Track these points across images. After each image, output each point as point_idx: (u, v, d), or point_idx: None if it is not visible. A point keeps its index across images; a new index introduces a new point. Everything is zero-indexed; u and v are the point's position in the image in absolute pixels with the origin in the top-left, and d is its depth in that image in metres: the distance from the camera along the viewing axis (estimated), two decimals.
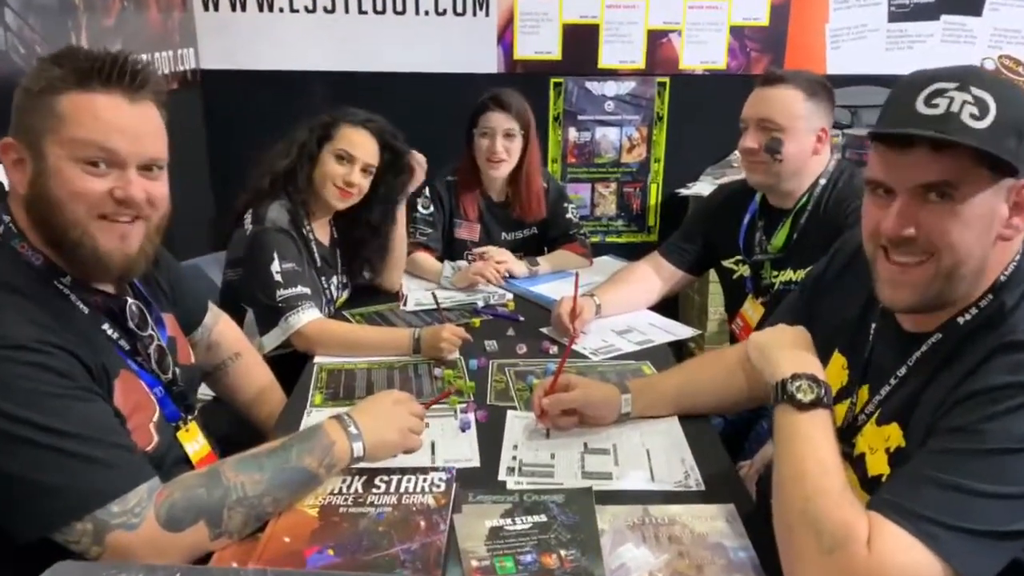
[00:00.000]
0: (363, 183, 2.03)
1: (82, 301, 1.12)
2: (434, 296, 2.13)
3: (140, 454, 1.08)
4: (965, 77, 0.94)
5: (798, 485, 0.96)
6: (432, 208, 2.45)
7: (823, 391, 1.03)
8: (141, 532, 0.98)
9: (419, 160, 2.17)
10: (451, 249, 2.49)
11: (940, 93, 0.93)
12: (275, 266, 1.84)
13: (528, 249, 2.55)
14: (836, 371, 1.20)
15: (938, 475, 0.88)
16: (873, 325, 1.15)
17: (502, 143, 2.35)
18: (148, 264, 1.19)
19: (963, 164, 0.92)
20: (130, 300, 1.22)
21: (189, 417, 1.29)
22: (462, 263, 2.35)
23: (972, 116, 0.91)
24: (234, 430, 1.52)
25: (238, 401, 1.65)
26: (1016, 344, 0.92)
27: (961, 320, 1.01)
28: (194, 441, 1.28)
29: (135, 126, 1.08)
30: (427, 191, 2.44)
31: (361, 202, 2.07)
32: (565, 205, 2.60)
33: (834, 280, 1.30)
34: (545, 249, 2.58)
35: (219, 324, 1.64)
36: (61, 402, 0.99)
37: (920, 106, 0.94)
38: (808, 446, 0.99)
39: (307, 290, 1.85)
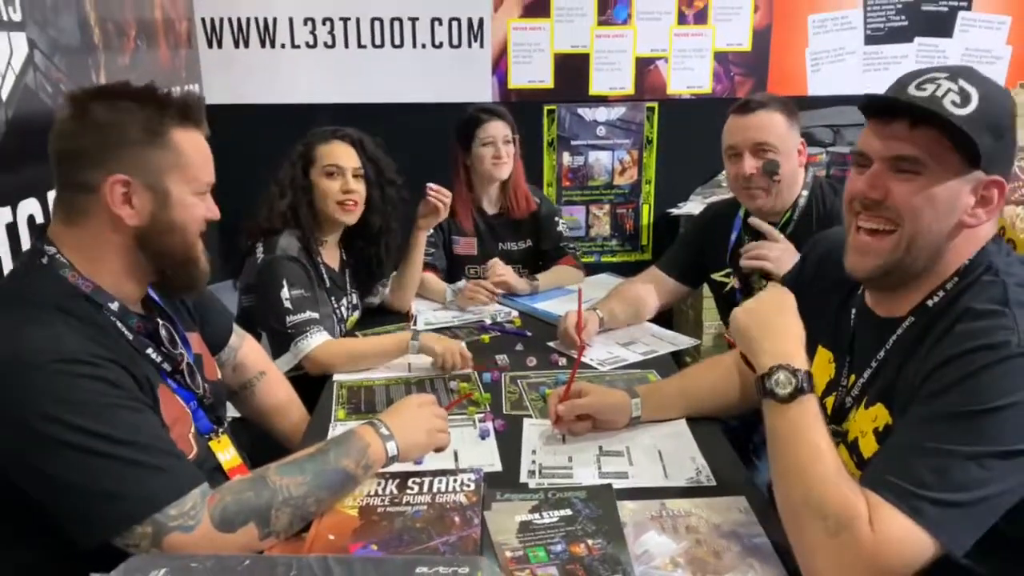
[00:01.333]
0: (360, 188, 2.10)
1: (127, 328, 1.18)
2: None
3: (188, 460, 1.14)
4: (958, 72, 1.03)
5: (796, 475, 0.99)
6: (432, 229, 2.55)
7: (800, 379, 1.03)
8: (197, 533, 1.04)
9: (440, 195, 2.27)
10: (452, 266, 2.60)
11: (931, 80, 1.02)
12: (284, 293, 1.91)
13: (525, 262, 2.67)
14: (823, 365, 1.26)
15: (917, 442, 0.94)
16: (853, 316, 1.21)
17: (503, 148, 2.50)
18: None
19: (935, 144, 1.01)
20: (161, 322, 1.28)
21: (220, 429, 1.35)
22: (462, 283, 2.44)
23: (953, 103, 0.99)
24: (257, 448, 1.58)
25: (264, 418, 1.70)
26: (973, 311, 0.99)
27: (930, 303, 1.08)
28: (226, 451, 1.34)
29: (211, 157, 1.23)
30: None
31: (361, 220, 2.15)
32: (556, 219, 2.72)
33: (810, 281, 1.35)
34: (541, 264, 2.68)
35: (244, 346, 1.69)
36: (115, 412, 1.04)
37: (911, 89, 1.03)
38: (797, 436, 1.01)
39: (316, 315, 1.92)
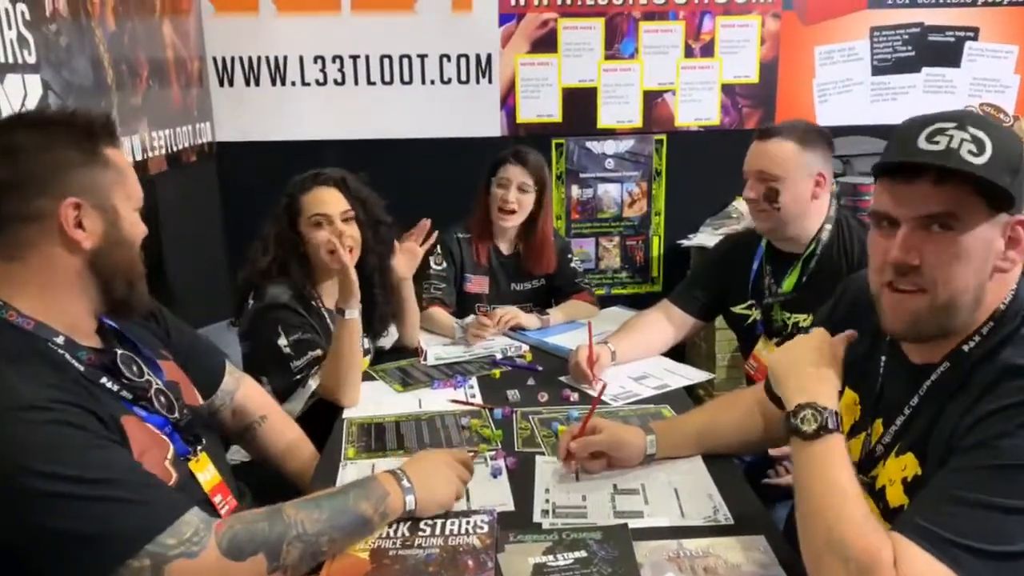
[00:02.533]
0: (351, 231, 2.03)
1: (76, 360, 1.13)
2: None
3: (169, 488, 1.12)
4: (963, 118, 1.01)
5: (820, 515, 0.98)
6: (445, 264, 2.54)
7: (826, 417, 1.04)
8: (203, 559, 1.01)
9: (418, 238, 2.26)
10: (462, 304, 2.57)
11: (941, 132, 1.00)
12: (281, 341, 1.90)
13: (537, 300, 2.64)
14: (849, 406, 1.24)
15: (957, 493, 0.92)
16: (883, 360, 1.19)
17: (515, 194, 2.46)
18: None
19: (963, 196, 0.99)
20: (119, 351, 1.24)
21: (199, 448, 1.30)
22: (470, 319, 2.42)
23: (971, 152, 0.98)
24: (266, 490, 1.55)
25: (274, 460, 1.68)
26: (1017, 368, 0.97)
27: (966, 348, 1.05)
28: (205, 471, 1.29)
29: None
30: (438, 248, 2.53)
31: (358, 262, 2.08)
32: (569, 256, 2.70)
33: (841, 320, 1.33)
34: (553, 301, 2.66)
35: (242, 388, 1.64)
36: (83, 453, 1.01)
37: (923, 143, 1.00)
38: (823, 474, 1.01)
39: (319, 352, 1.91)
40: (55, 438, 1.00)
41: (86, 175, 1.12)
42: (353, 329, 1.89)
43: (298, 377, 1.88)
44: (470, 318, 2.43)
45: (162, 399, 1.26)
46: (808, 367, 1.14)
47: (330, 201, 2.03)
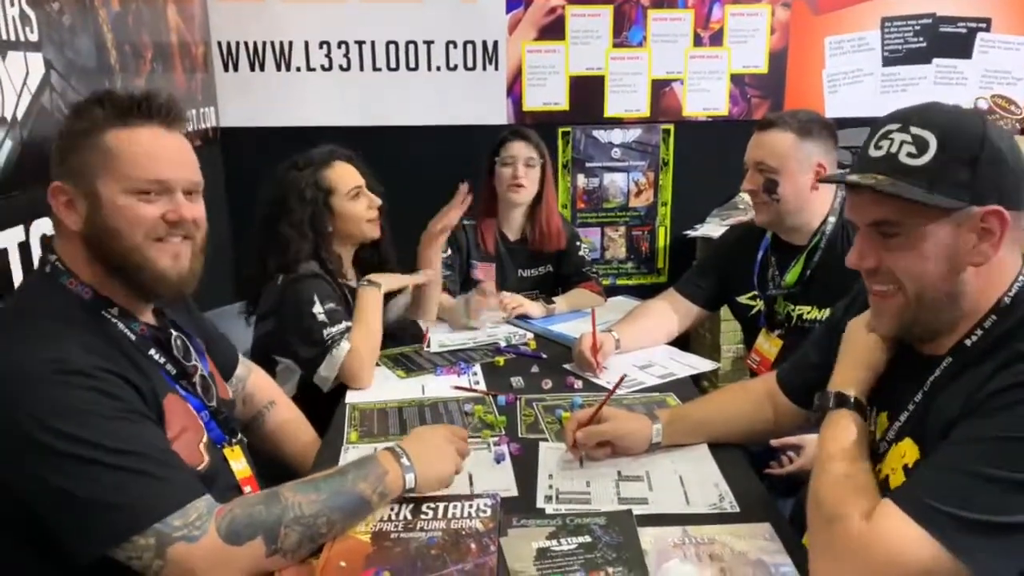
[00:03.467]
0: (377, 200, 2.12)
1: (129, 330, 1.17)
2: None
3: (191, 473, 1.12)
4: (909, 117, 1.02)
5: (813, 473, 1.07)
6: (450, 251, 2.52)
7: (843, 400, 1.12)
8: (203, 544, 1.01)
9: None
10: (466, 289, 2.53)
11: (885, 135, 1.02)
12: (317, 308, 1.90)
13: (544, 287, 2.62)
14: (880, 421, 1.24)
15: (951, 462, 0.92)
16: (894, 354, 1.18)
17: (523, 169, 2.46)
18: (196, 281, 1.25)
19: (901, 204, 0.99)
20: (174, 332, 1.28)
21: (234, 440, 1.34)
22: (468, 294, 2.37)
23: (909, 155, 0.99)
24: (262, 476, 1.55)
25: (274, 443, 1.68)
26: (1022, 353, 0.96)
27: (968, 342, 1.04)
28: (239, 461, 1.33)
29: (176, 154, 1.18)
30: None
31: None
32: (578, 244, 2.68)
33: (857, 313, 1.32)
34: (560, 289, 2.64)
35: (252, 376, 1.69)
36: (116, 423, 1.03)
37: (871, 150, 1.03)
38: (824, 440, 1.09)
39: (349, 323, 1.93)
40: (90, 405, 1.02)
41: (76, 158, 1.13)
42: (375, 298, 2.01)
43: (327, 344, 1.87)
44: (460, 301, 2.37)
45: (203, 386, 1.29)
46: (851, 362, 1.19)
47: (354, 174, 2.10)
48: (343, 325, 1.90)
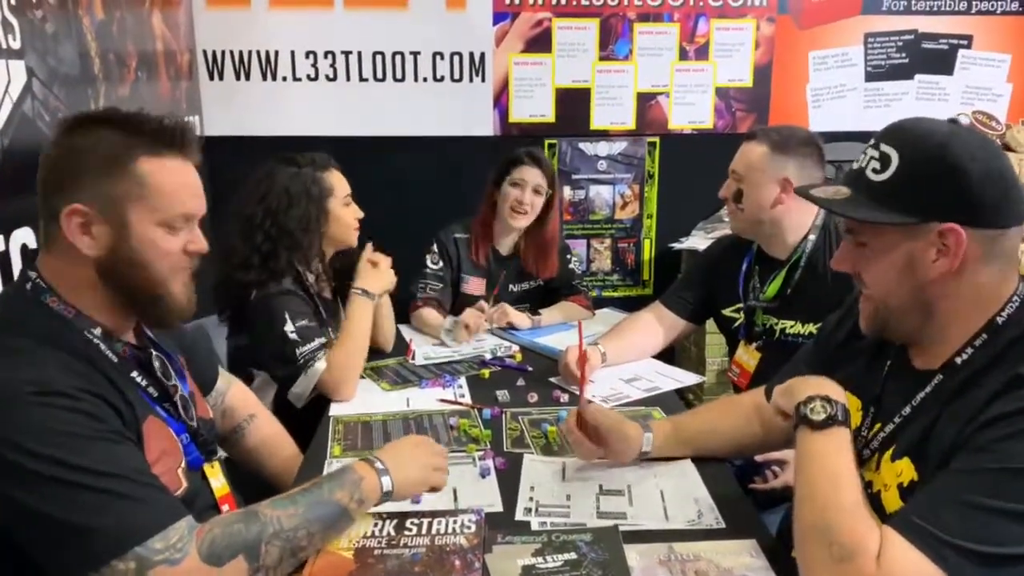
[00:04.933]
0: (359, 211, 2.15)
1: (111, 351, 1.15)
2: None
3: (171, 494, 1.10)
4: (885, 133, 1.07)
5: (812, 500, 1.01)
6: (441, 263, 2.51)
7: (836, 410, 1.07)
8: (184, 567, 0.99)
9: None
10: (458, 305, 2.54)
11: (865, 150, 1.08)
12: (288, 327, 1.88)
13: (532, 301, 2.62)
14: (852, 411, 1.23)
15: (953, 493, 0.92)
16: (887, 367, 1.19)
17: (530, 196, 2.45)
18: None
19: (867, 216, 1.05)
20: (154, 352, 1.26)
21: (213, 458, 1.32)
22: (456, 319, 2.37)
23: (874, 170, 1.05)
24: (243, 492, 1.53)
25: (255, 458, 1.66)
26: (1022, 377, 0.96)
27: (959, 360, 1.05)
28: (216, 478, 1.31)
29: (197, 186, 1.18)
30: (435, 247, 2.51)
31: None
32: (568, 257, 2.68)
33: (852, 327, 1.32)
34: (548, 302, 2.63)
35: (232, 389, 1.67)
36: (94, 444, 1.01)
37: (854, 163, 1.10)
38: (822, 463, 1.03)
39: (323, 340, 1.91)
40: (68, 426, 1.01)
41: (103, 183, 1.10)
42: (368, 310, 2.01)
43: (300, 364, 1.86)
44: (449, 320, 2.37)
45: (184, 407, 1.27)
46: (821, 380, 1.18)
47: (343, 179, 2.11)
48: (316, 343, 1.89)
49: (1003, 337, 1.02)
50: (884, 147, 1.04)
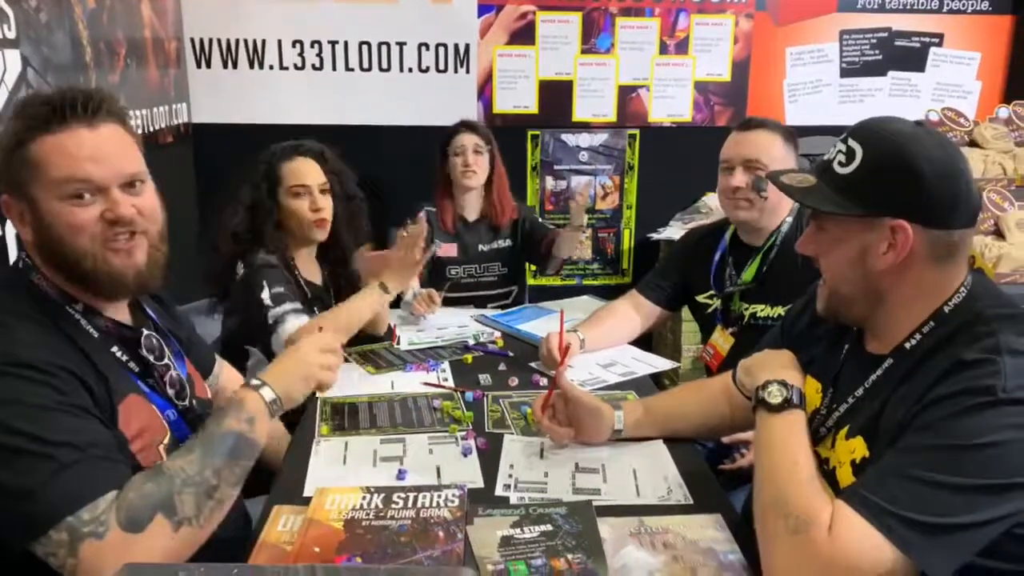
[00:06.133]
0: (328, 204, 2.09)
1: (92, 326, 1.18)
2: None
3: (125, 469, 1.09)
4: (852, 130, 1.13)
5: (771, 477, 1.09)
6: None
7: (791, 393, 1.15)
8: (108, 539, 1.00)
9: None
10: (435, 269, 2.73)
11: (834, 144, 1.14)
12: (264, 294, 1.94)
13: (505, 261, 2.82)
14: (811, 393, 1.29)
15: (900, 468, 0.99)
16: (845, 351, 1.26)
17: (472, 157, 2.68)
18: (160, 273, 1.24)
19: (824, 205, 1.11)
20: (146, 332, 1.29)
21: None
22: (422, 291, 2.46)
23: (839, 163, 1.11)
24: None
25: None
26: (964, 362, 1.03)
27: (907, 345, 1.12)
28: None
29: (100, 150, 1.13)
30: (409, 221, 2.59)
31: (334, 239, 2.16)
32: (534, 217, 2.95)
33: (814, 313, 1.38)
34: (527, 266, 2.91)
35: (223, 372, 1.72)
36: (53, 415, 1.03)
37: (825, 155, 1.15)
38: (780, 443, 1.12)
39: (297, 304, 1.96)
40: (33, 397, 1.03)
41: (10, 171, 1.13)
42: (372, 301, 1.99)
43: (271, 324, 1.90)
44: (410, 293, 2.43)
45: (176, 387, 1.30)
46: (777, 361, 1.27)
47: (310, 172, 2.08)
48: (287, 306, 1.93)
49: (948, 325, 1.09)
50: (851, 142, 1.10)
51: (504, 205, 2.82)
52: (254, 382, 1.25)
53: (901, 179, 1.07)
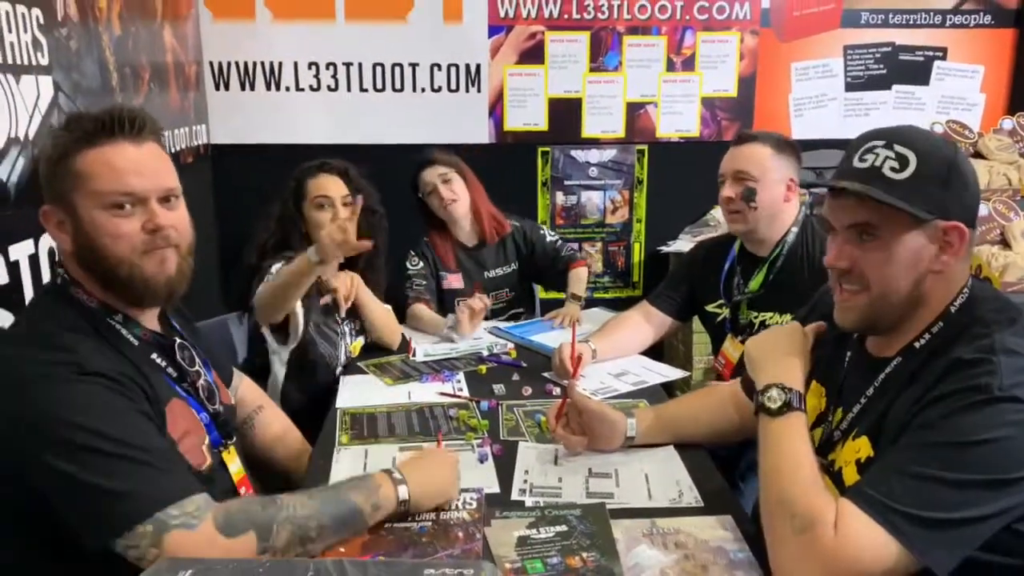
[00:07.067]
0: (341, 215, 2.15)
1: (132, 335, 1.25)
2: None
3: (189, 469, 1.19)
4: (893, 136, 1.14)
5: (775, 477, 1.12)
6: (421, 264, 2.66)
7: (790, 396, 1.17)
8: (199, 532, 1.07)
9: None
10: (443, 301, 2.70)
11: (871, 150, 1.13)
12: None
13: (512, 286, 2.79)
14: (815, 398, 1.34)
15: (903, 466, 1.02)
16: (848, 355, 1.30)
17: (445, 189, 2.63)
18: (186, 282, 1.30)
19: (883, 210, 1.11)
20: (179, 341, 1.36)
21: (229, 442, 1.42)
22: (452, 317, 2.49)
23: (892, 169, 1.10)
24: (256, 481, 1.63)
25: (264, 449, 1.75)
26: (964, 361, 1.07)
27: (917, 345, 1.16)
28: (234, 462, 1.41)
29: (143, 165, 1.21)
30: (412, 252, 2.66)
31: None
32: (541, 233, 2.84)
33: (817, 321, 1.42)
34: (534, 287, 2.87)
35: (243, 384, 1.77)
36: (127, 419, 1.12)
37: (856, 161, 1.14)
38: (781, 446, 1.14)
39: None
40: (107, 403, 1.11)
41: (54, 183, 1.21)
42: (305, 269, 1.93)
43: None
44: (450, 318, 2.49)
45: (206, 392, 1.37)
46: (780, 354, 1.27)
47: (332, 186, 2.22)
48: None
49: (954, 326, 1.13)
50: (900, 149, 1.10)
51: (492, 218, 2.75)
52: (396, 476, 1.26)
53: (958, 183, 1.12)
